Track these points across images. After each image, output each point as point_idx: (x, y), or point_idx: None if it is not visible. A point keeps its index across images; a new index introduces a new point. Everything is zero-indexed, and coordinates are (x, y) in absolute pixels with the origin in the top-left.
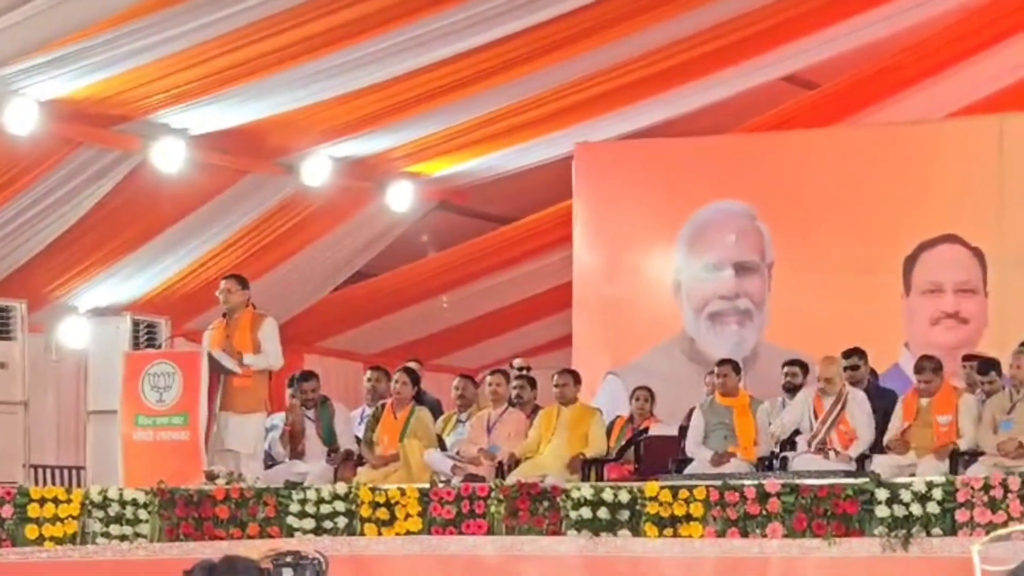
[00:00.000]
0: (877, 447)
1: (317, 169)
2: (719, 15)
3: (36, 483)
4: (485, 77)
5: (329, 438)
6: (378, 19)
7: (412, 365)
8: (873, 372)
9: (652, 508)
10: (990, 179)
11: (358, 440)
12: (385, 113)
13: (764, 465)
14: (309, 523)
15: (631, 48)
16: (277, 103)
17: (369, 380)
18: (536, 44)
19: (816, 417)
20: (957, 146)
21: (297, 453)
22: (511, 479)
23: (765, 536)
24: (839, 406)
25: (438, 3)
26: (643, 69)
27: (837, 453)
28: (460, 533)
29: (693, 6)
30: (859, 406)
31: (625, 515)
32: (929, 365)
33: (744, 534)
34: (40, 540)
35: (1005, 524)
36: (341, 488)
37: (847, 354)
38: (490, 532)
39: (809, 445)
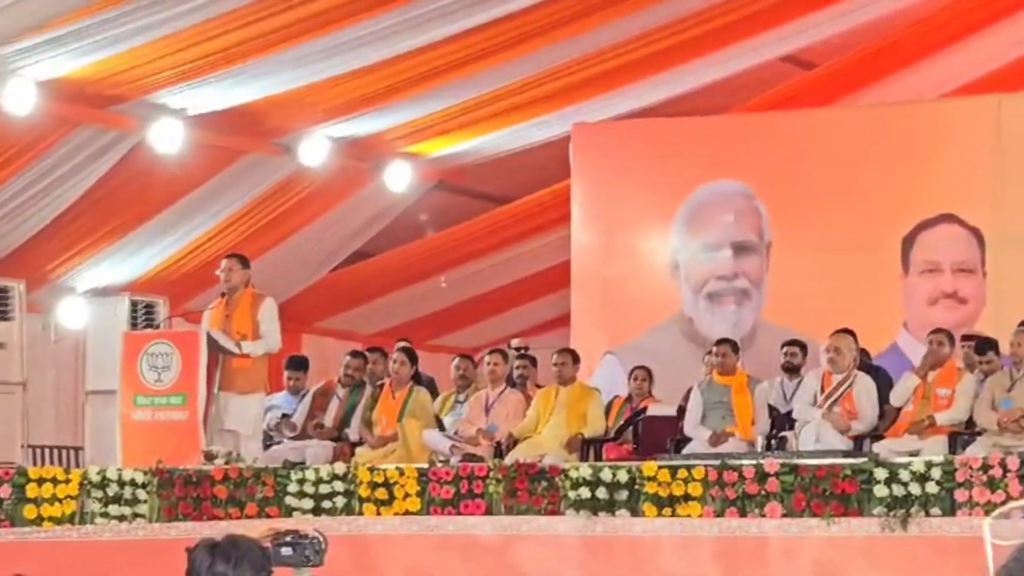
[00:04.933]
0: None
1: (315, 149)
2: None
3: (34, 463)
4: (483, 57)
5: (346, 421)
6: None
7: (406, 345)
8: (864, 352)
9: (651, 488)
10: (988, 159)
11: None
12: (383, 93)
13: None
14: (308, 503)
15: (629, 28)
16: (275, 83)
17: (367, 361)
18: (533, 24)
19: (822, 392)
20: (955, 126)
21: (308, 428)
22: (509, 459)
23: (764, 515)
24: (846, 384)
25: None
26: (641, 49)
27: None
28: (459, 513)
29: None
30: (866, 391)
31: (624, 495)
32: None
33: (743, 514)
34: (39, 520)
35: (1004, 504)
36: (340, 468)
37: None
38: (488, 512)
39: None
